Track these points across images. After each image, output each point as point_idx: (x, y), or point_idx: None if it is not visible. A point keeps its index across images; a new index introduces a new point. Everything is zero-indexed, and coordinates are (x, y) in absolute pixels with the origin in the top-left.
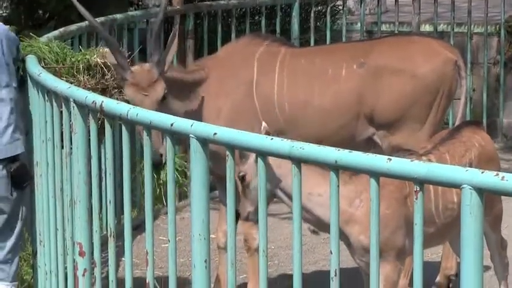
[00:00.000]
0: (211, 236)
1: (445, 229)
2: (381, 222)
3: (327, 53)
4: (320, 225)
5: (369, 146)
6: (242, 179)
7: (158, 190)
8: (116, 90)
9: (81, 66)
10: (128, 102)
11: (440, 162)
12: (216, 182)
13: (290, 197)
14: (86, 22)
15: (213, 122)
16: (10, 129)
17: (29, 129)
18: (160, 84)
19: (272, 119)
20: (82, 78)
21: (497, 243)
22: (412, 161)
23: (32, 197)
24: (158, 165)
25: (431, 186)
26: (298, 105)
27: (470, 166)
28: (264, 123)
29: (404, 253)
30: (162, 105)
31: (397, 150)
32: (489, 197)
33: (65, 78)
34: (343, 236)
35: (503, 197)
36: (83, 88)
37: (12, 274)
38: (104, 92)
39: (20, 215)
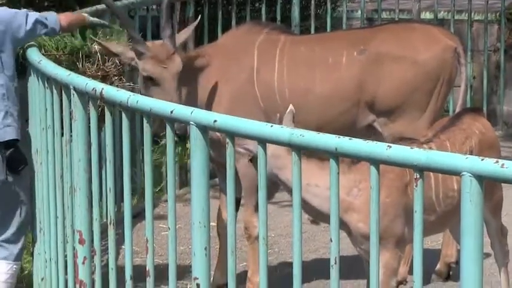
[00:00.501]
0: (211, 223)
1: (445, 217)
2: (380, 210)
3: (327, 40)
4: (318, 216)
5: (370, 133)
6: (251, 161)
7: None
8: (117, 78)
9: (81, 53)
10: (130, 90)
11: (441, 150)
12: (216, 170)
13: (290, 188)
14: (88, 9)
15: (213, 109)
16: (0, 115)
17: (28, 117)
18: (178, 57)
19: (273, 106)
20: (81, 66)
21: (498, 230)
22: (411, 148)
23: (32, 184)
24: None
25: (431, 173)
26: (298, 92)
27: (471, 153)
28: (291, 106)
29: (404, 241)
30: (179, 82)
31: (398, 139)
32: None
33: (65, 66)
34: (342, 225)
35: (503, 185)
36: (84, 75)
37: (16, 253)
38: (104, 79)
39: (20, 199)
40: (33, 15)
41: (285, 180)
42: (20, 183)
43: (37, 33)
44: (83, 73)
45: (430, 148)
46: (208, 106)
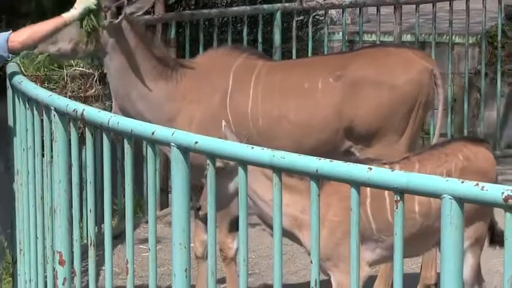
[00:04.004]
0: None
1: (413, 239)
2: (327, 229)
3: (303, 67)
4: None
5: (347, 158)
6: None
7: None
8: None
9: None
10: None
11: (405, 170)
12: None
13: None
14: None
15: (185, 128)
16: None
17: (8, 138)
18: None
19: (245, 131)
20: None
21: (473, 270)
22: (392, 170)
23: (12, 205)
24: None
25: (386, 195)
26: (272, 120)
27: (448, 176)
28: (223, 122)
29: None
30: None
31: (364, 160)
32: (473, 214)
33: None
34: (297, 240)
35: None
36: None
37: None
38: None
39: None
40: None
41: (251, 195)
42: None
43: None
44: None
45: (392, 169)
46: (181, 125)
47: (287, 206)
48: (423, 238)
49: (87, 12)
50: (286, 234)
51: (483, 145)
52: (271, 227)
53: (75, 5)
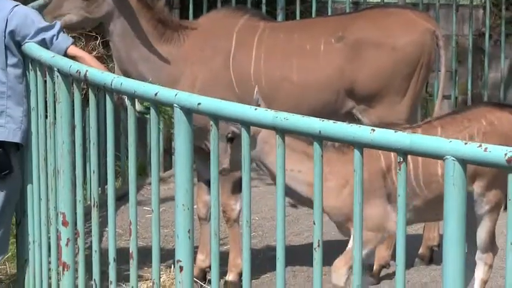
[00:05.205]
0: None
1: (433, 203)
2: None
3: (305, 28)
4: (300, 201)
5: (349, 120)
6: (230, 140)
7: None
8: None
9: None
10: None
11: (427, 134)
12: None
13: (273, 173)
14: (35, 3)
15: (188, 89)
16: None
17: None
18: None
19: (248, 92)
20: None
21: (489, 235)
22: (395, 131)
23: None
24: None
25: (410, 159)
26: (275, 79)
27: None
28: (256, 88)
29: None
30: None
31: (384, 125)
32: (493, 178)
33: None
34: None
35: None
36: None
37: None
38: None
39: None
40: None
41: (269, 165)
42: (3, 188)
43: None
44: None
45: (415, 133)
46: (183, 86)
47: (308, 174)
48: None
49: None
50: (308, 203)
51: (507, 110)
52: (293, 197)
53: None
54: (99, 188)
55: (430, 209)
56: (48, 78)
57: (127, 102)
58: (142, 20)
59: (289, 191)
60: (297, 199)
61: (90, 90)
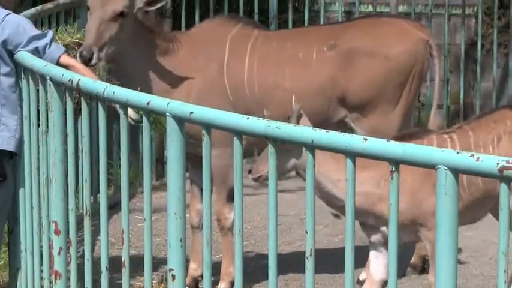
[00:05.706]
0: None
1: (474, 205)
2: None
3: (297, 36)
4: (343, 211)
5: (341, 129)
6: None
7: None
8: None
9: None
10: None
11: (463, 139)
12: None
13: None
14: (28, 12)
15: (184, 98)
16: None
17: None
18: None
19: (242, 100)
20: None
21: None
22: (387, 141)
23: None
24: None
25: None
26: (268, 87)
27: (499, 141)
28: (293, 96)
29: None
30: (117, 32)
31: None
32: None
33: None
34: (370, 217)
35: None
36: None
37: None
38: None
39: None
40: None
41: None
42: None
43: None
44: None
45: (451, 138)
46: (179, 95)
47: (361, 184)
48: (483, 203)
49: None
50: (358, 214)
51: None
52: (337, 207)
53: None
54: (91, 197)
55: (468, 211)
56: (40, 87)
57: (119, 110)
58: (138, 34)
59: (332, 201)
60: (342, 209)
61: (82, 99)
